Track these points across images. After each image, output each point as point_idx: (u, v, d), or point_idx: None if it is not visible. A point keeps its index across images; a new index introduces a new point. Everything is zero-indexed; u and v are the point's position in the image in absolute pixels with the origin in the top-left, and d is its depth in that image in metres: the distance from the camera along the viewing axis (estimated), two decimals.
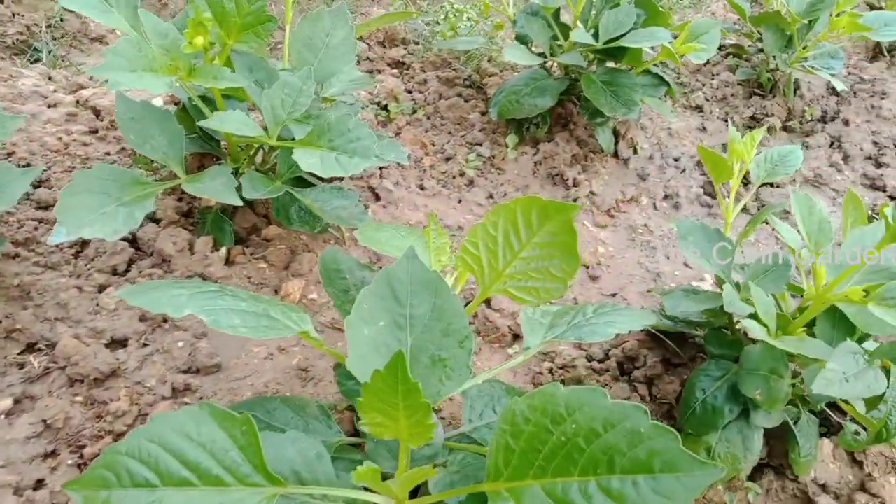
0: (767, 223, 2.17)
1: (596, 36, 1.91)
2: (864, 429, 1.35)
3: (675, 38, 1.94)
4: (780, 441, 1.40)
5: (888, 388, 1.14)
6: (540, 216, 0.95)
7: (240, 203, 1.31)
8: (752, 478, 1.42)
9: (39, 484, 1.12)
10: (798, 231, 1.12)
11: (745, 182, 1.57)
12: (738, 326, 1.41)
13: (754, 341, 1.31)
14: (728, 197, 1.38)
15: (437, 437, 1.11)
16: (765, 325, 1.19)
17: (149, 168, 1.65)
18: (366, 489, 0.97)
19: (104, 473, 0.81)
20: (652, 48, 1.97)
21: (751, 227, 1.32)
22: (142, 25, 1.17)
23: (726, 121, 2.67)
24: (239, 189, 1.36)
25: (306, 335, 0.99)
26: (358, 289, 1.18)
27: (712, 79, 2.81)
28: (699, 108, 2.68)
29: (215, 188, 1.32)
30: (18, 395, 1.23)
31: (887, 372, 1.16)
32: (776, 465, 1.42)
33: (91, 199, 1.24)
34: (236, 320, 0.91)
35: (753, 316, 1.20)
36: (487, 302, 1.65)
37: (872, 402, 1.19)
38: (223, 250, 1.54)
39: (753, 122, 2.66)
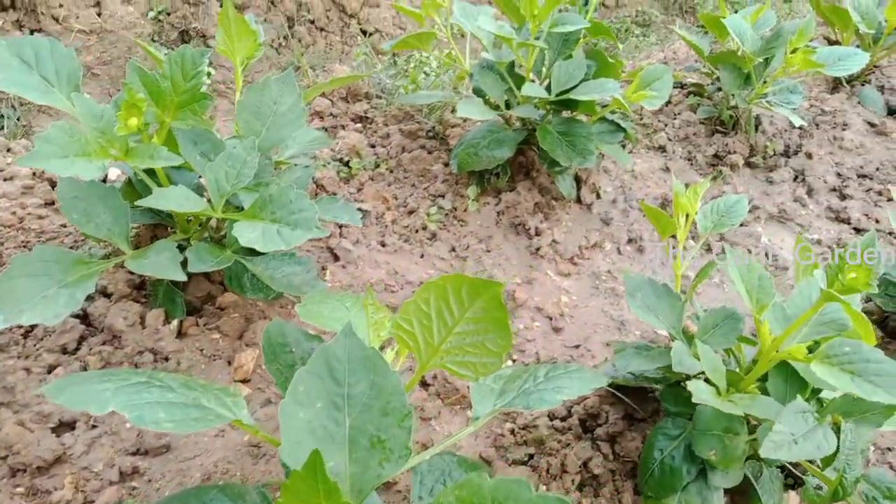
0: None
1: (549, 88, 1.94)
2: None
3: (628, 84, 1.96)
4: (744, 497, 1.38)
5: (840, 445, 1.13)
6: (469, 292, 0.95)
7: (184, 278, 1.30)
8: None
9: None
10: (739, 291, 1.11)
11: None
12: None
13: None
14: (676, 250, 1.38)
15: None
16: (714, 385, 1.18)
17: (99, 241, 1.64)
18: None
19: None
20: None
21: (699, 280, 1.32)
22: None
23: (690, 160, 2.70)
24: (186, 263, 1.35)
25: (239, 423, 0.97)
26: (304, 363, 1.17)
27: (674, 118, 2.85)
28: (662, 149, 2.71)
29: (160, 264, 1.30)
30: None
31: (838, 429, 1.15)
32: None
33: (31, 282, 1.22)
34: (161, 414, 0.89)
35: (702, 376, 1.19)
36: None
37: (827, 460, 1.18)
38: (175, 323, 1.52)
39: (716, 159, 2.69)
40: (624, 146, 2.64)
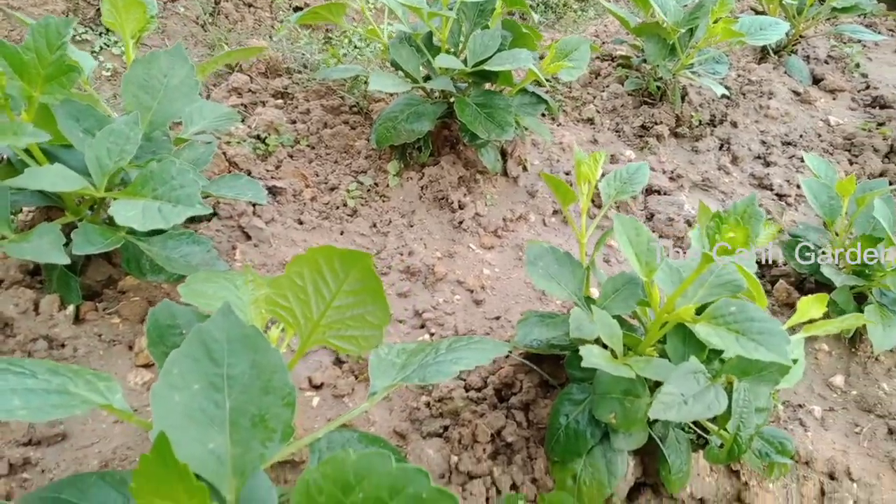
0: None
1: (466, 61, 1.90)
2: None
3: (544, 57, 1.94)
4: (653, 458, 1.39)
5: (731, 405, 1.14)
6: (343, 264, 0.92)
7: (67, 261, 1.24)
8: (630, 498, 1.40)
9: None
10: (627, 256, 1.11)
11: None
12: None
13: None
14: (579, 219, 1.37)
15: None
16: (610, 349, 1.18)
17: None
18: None
19: None
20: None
21: (597, 248, 1.31)
22: None
23: (618, 132, 2.70)
24: (69, 247, 1.28)
25: (110, 407, 0.93)
26: None
27: (603, 91, 2.85)
28: (590, 121, 2.71)
29: (41, 248, 1.24)
30: None
31: (730, 389, 1.16)
32: (652, 484, 1.41)
33: None
34: (15, 402, 0.84)
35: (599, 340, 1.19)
36: None
37: (725, 418, 1.19)
38: (71, 308, 1.45)
39: (643, 130, 2.70)
40: (551, 119, 2.64)
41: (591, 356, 1.06)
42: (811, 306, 1.27)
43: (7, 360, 0.94)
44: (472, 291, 1.84)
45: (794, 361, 1.18)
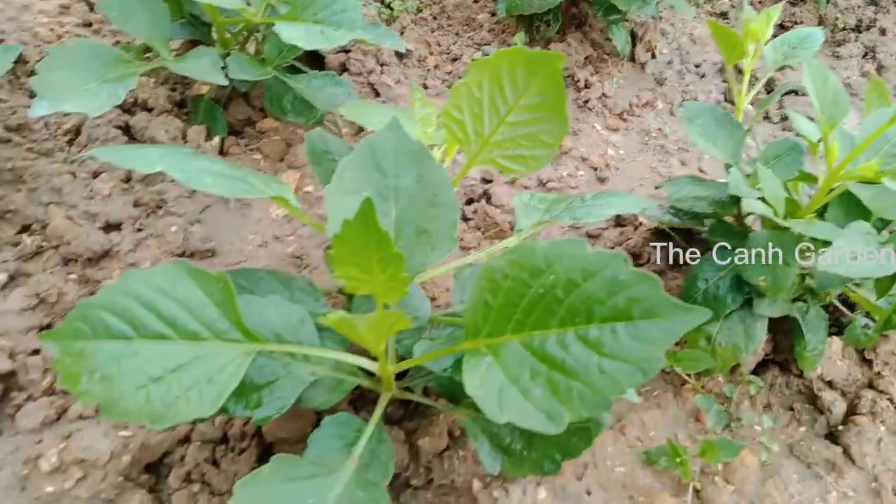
0: (785, 119, 2.07)
1: None
2: (875, 322, 1.31)
3: None
4: (785, 337, 1.36)
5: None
6: (526, 73, 0.89)
7: (224, 82, 1.26)
8: (755, 373, 1.38)
9: (35, 353, 1.13)
10: (811, 104, 1.04)
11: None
12: (745, 219, 1.35)
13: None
14: (741, 81, 1.30)
15: (424, 312, 1.09)
16: (772, 207, 1.13)
17: (139, 57, 1.61)
18: (349, 351, 0.96)
19: (79, 325, 0.79)
20: None
21: (764, 106, 1.24)
22: None
23: None
24: (226, 71, 1.31)
25: (284, 201, 0.96)
26: None
27: None
28: (724, 15, 2.53)
29: (200, 67, 1.27)
30: (13, 272, 1.23)
31: None
32: (780, 361, 1.39)
33: (72, 74, 1.20)
34: (208, 180, 0.88)
35: (761, 200, 1.14)
36: (488, 198, 1.60)
37: (883, 288, 1.14)
38: (216, 139, 1.50)
39: (781, 30, 2.51)
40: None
41: (760, 206, 1.02)
42: None
43: (189, 151, 0.98)
44: (595, 169, 1.80)
45: None
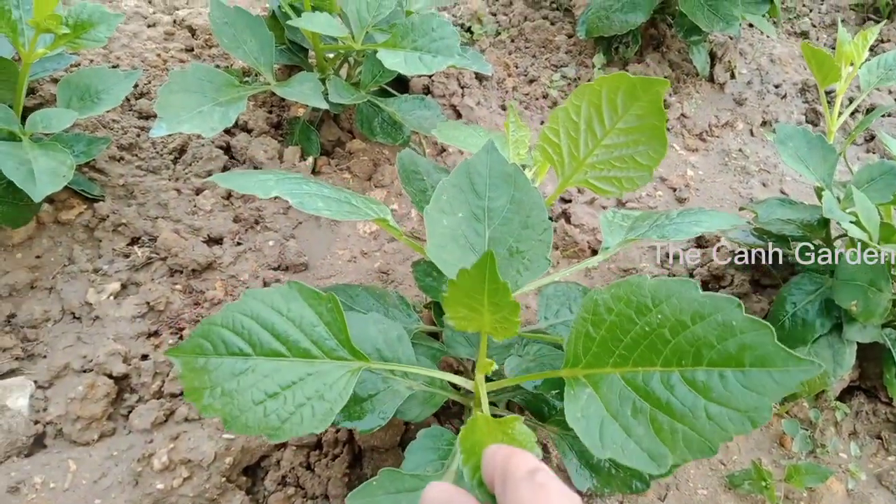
0: (870, 140, 2.01)
1: None
2: None
3: None
4: (874, 364, 1.33)
5: None
6: (626, 97, 0.92)
7: (325, 106, 1.34)
8: (841, 399, 1.36)
9: (144, 358, 1.22)
10: None
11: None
12: (834, 242, 1.33)
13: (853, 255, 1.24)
14: (833, 103, 1.28)
15: None
16: (867, 232, 1.11)
17: (240, 80, 1.71)
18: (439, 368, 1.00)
19: (201, 342, 0.85)
20: None
21: (858, 130, 1.22)
22: None
23: (834, 48, 2.47)
24: (325, 95, 1.39)
25: (385, 223, 1.01)
26: (435, 189, 1.19)
27: (821, 3, 2.60)
28: (804, 35, 2.49)
29: (303, 92, 1.35)
30: (125, 281, 1.33)
31: None
32: (867, 388, 1.36)
33: (188, 97, 1.30)
34: (320, 203, 0.94)
35: (854, 224, 1.12)
36: (567, 218, 1.63)
37: None
38: (310, 160, 1.59)
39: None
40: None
41: (853, 230, 1.01)
42: None
43: (299, 177, 1.05)
44: (674, 189, 1.80)
45: None
